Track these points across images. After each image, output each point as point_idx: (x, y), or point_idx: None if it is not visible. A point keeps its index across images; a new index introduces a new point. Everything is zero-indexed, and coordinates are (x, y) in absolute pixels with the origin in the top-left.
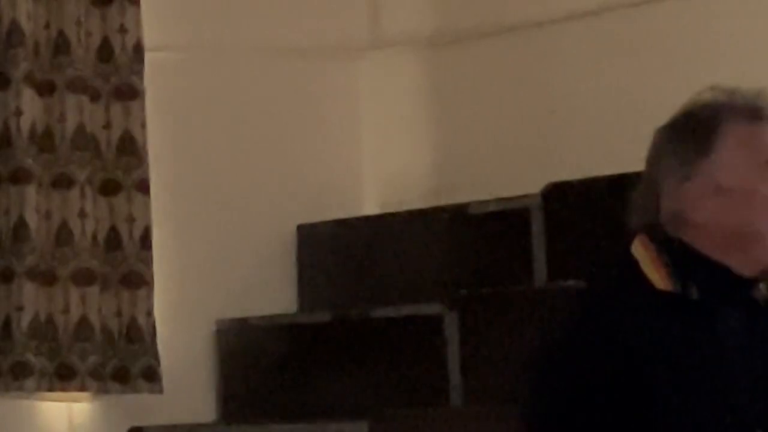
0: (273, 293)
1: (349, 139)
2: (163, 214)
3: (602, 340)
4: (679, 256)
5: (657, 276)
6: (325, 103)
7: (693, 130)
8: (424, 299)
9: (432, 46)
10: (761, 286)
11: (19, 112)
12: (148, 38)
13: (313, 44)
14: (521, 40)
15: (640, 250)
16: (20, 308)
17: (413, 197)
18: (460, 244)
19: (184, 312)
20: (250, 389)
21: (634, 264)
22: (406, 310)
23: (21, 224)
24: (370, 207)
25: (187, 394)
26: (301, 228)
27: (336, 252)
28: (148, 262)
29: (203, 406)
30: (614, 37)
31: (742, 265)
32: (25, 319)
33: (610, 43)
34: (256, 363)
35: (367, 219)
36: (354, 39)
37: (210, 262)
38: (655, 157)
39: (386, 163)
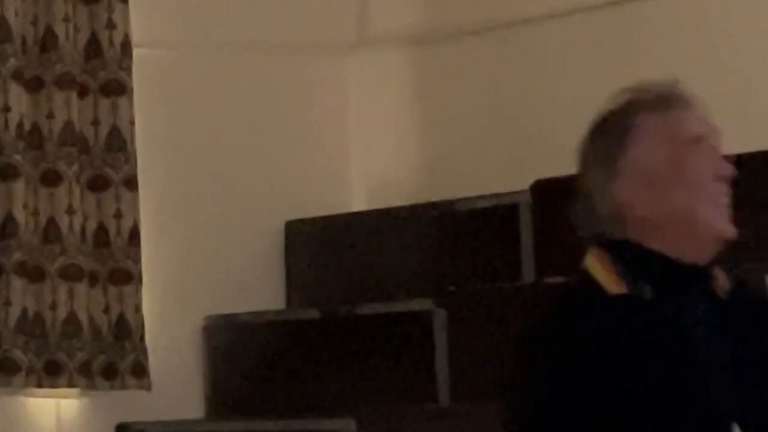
0: (261, 290)
1: (337, 136)
2: (152, 211)
3: (567, 352)
4: (630, 257)
5: (609, 281)
6: (312, 100)
7: (611, 130)
8: (412, 296)
9: (419, 43)
10: (714, 272)
11: (6, 109)
12: (136, 34)
13: (301, 41)
14: (509, 38)
15: (591, 259)
16: (8, 304)
17: (401, 194)
18: (448, 241)
19: (172, 308)
20: (238, 386)
21: (586, 274)
22: (394, 306)
23: (9, 220)
24: (358, 204)
25: (175, 391)
26: (289, 224)
27: (324, 248)
28: (137, 258)
29: (191, 402)
30: (601, 34)
31: (692, 252)
32: (13, 315)
33: (598, 41)
34: (244, 359)
35: (355, 216)
36: (342, 36)
37: (198, 259)
38: (582, 167)
39: (374, 159)
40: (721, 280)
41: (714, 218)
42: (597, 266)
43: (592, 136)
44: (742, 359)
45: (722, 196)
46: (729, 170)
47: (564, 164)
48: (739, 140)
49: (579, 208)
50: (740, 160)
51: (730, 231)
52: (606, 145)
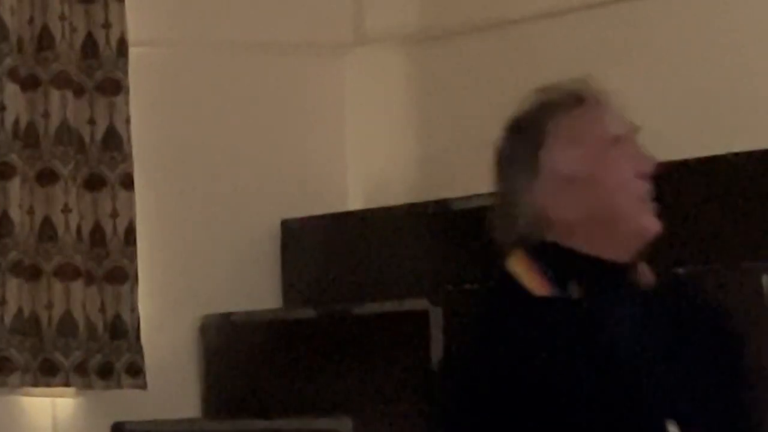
0: (257, 289)
1: (334, 135)
2: (148, 210)
3: (496, 357)
4: (554, 259)
5: (534, 283)
6: (309, 99)
7: (525, 134)
8: (408, 295)
9: (416, 42)
10: (639, 268)
11: (2, 107)
12: (133, 33)
13: (298, 40)
14: (505, 37)
15: (515, 262)
16: (3, 303)
17: (397, 193)
18: (445, 240)
19: (168, 307)
20: (234, 385)
21: (510, 278)
22: (391, 305)
23: (4, 219)
24: (355, 202)
25: (171, 390)
26: (285, 223)
27: (320, 247)
28: (133, 257)
29: (187, 401)
30: (599, 34)
31: (616, 251)
32: (9, 315)
33: (596, 40)
34: (241, 359)
35: (352, 215)
36: (338, 35)
37: (194, 258)
38: (498, 172)
39: (371, 158)
40: (646, 275)
41: (638, 216)
42: (520, 269)
43: (507, 138)
44: (671, 353)
45: (645, 193)
46: (650, 166)
47: None
48: (736, 139)
49: (497, 212)
50: (737, 159)
51: (654, 227)
52: (523, 149)
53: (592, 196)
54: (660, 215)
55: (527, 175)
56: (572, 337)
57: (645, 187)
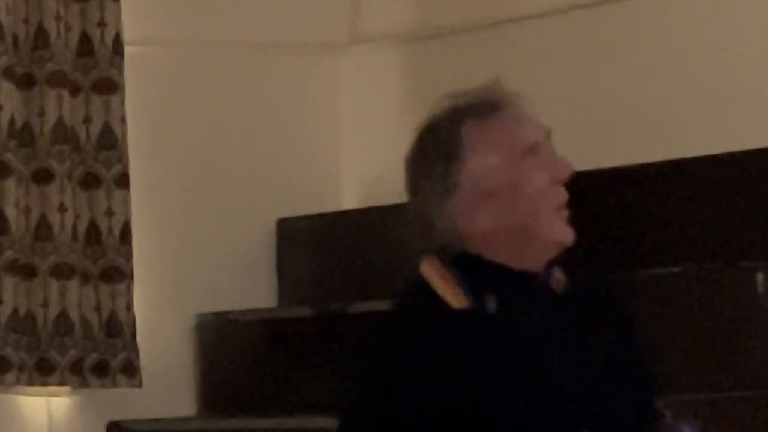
0: (253, 288)
1: (330, 134)
2: (143, 209)
3: (413, 371)
4: (470, 269)
5: (451, 296)
6: (305, 98)
7: (438, 144)
8: None
9: (412, 41)
10: (553, 272)
11: None
12: (128, 32)
13: (294, 40)
14: (500, 36)
15: (431, 272)
16: None
17: (393, 192)
18: None
19: (163, 306)
20: (230, 384)
21: (426, 287)
22: (386, 304)
23: (0, 218)
24: (350, 201)
25: (167, 389)
26: (281, 222)
27: (316, 246)
28: (128, 256)
29: (182, 400)
30: (594, 33)
31: (531, 261)
32: (5, 314)
33: (590, 40)
34: (236, 358)
35: (347, 214)
36: (334, 34)
37: (189, 257)
38: (413, 182)
39: (366, 157)
40: (559, 280)
41: (554, 226)
42: (436, 279)
43: (419, 148)
44: (584, 358)
45: (560, 201)
46: (566, 172)
47: None
48: (729, 138)
49: (412, 222)
50: (732, 159)
51: (569, 236)
52: (436, 160)
53: (508, 208)
54: (573, 222)
55: (442, 189)
56: (490, 352)
57: (561, 195)
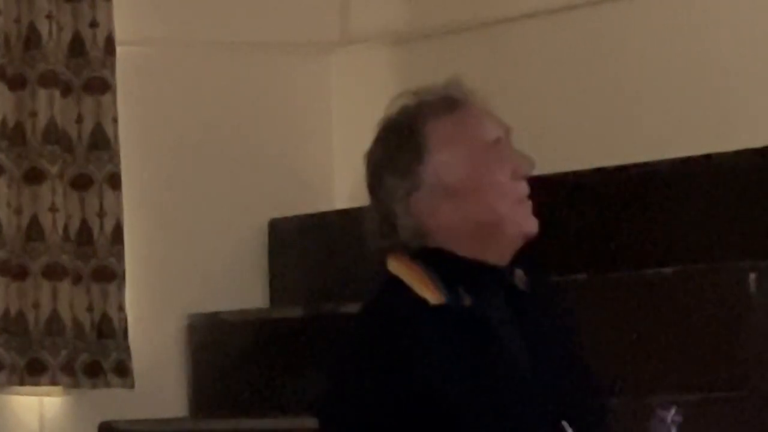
0: (245, 288)
1: (321, 134)
2: (135, 209)
3: (390, 366)
4: (440, 265)
5: (428, 292)
6: (296, 98)
7: (400, 141)
8: None
9: (403, 41)
10: (517, 272)
11: None
12: (120, 32)
13: (285, 39)
14: (491, 37)
15: (402, 269)
16: None
17: None
18: None
19: (155, 306)
20: (222, 384)
21: (399, 284)
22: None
23: None
24: (342, 202)
25: (159, 389)
26: (272, 223)
27: (308, 247)
28: (120, 256)
29: (174, 400)
30: (585, 33)
31: (496, 255)
32: None
33: (581, 40)
34: (228, 358)
35: (339, 214)
36: (325, 34)
37: (181, 257)
38: (375, 179)
39: (358, 157)
40: (521, 278)
41: (519, 219)
42: (408, 276)
43: (382, 144)
44: (550, 352)
45: (523, 194)
46: (527, 167)
47: (546, 162)
48: (719, 139)
49: (372, 221)
50: (723, 159)
51: (533, 228)
52: (400, 157)
53: (472, 203)
54: (537, 215)
55: (406, 186)
56: (472, 347)
57: (523, 189)
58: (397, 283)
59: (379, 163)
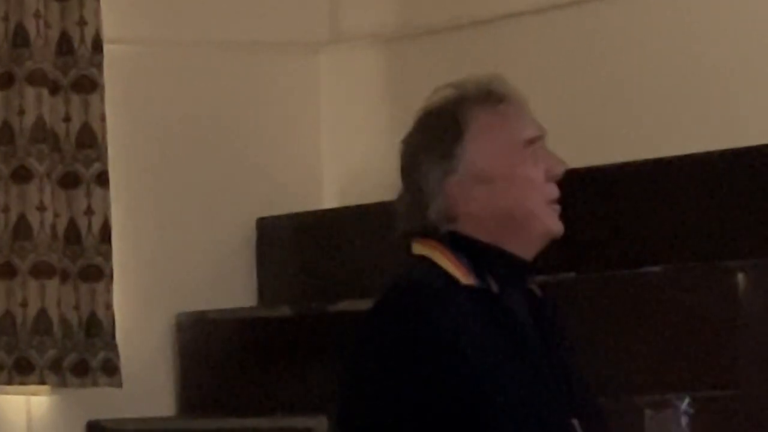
0: (233, 287)
1: (309, 133)
2: (123, 208)
3: (429, 340)
4: (469, 250)
5: (459, 273)
6: (285, 97)
7: (443, 125)
8: None
9: (392, 40)
10: (532, 283)
11: None
12: (108, 31)
13: (274, 38)
14: (481, 35)
15: (429, 250)
16: None
17: (373, 191)
18: None
19: (143, 305)
20: (210, 383)
21: (429, 262)
22: (366, 304)
23: None
24: (330, 200)
25: (146, 388)
26: (261, 221)
27: (296, 246)
28: (108, 255)
29: (162, 399)
30: (573, 32)
31: (521, 247)
32: None
33: (570, 38)
34: (216, 357)
35: (327, 212)
36: (314, 33)
37: (169, 256)
38: (411, 161)
39: (346, 156)
40: (534, 283)
41: (546, 217)
42: (439, 256)
43: (423, 129)
44: (562, 353)
45: (553, 196)
46: (560, 170)
47: None
48: (709, 137)
49: (405, 200)
50: (713, 158)
51: (558, 229)
52: (439, 140)
53: (504, 193)
54: (562, 217)
55: (443, 167)
56: (500, 331)
57: (554, 191)
58: (427, 260)
59: (418, 145)
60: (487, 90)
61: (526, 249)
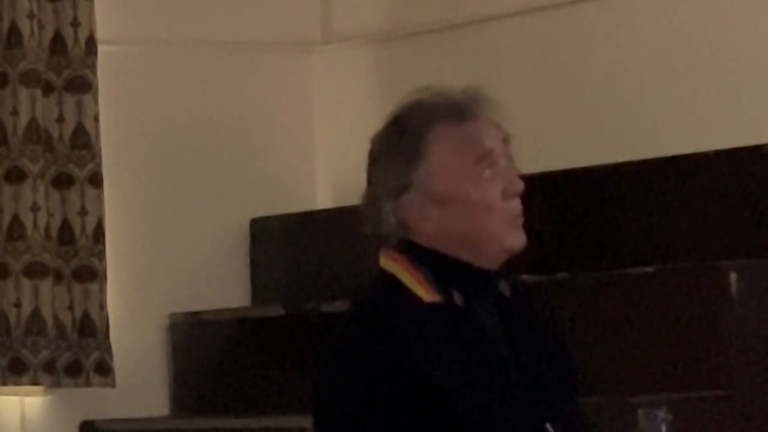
0: (226, 287)
1: (303, 133)
2: (116, 208)
3: (389, 362)
4: (433, 265)
5: (421, 290)
6: (278, 97)
7: (402, 139)
8: None
9: (384, 40)
10: (501, 285)
11: None
12: (101, 32)
13: (267, 39)
14: (472, 36)
15: (396, 266)
16: None
17: None
18: None
19: (136, 306)
20: (203, 383)
21: (392, 281)
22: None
23: None
24: (323, 201)
25: (140, 388)
26: (254, 222)
27: (289, 246)
28: (101, 255)
29: (156, 399)
30: (568, 32)
31: (482, 261)
32: None
33: (564, 39)
34: (209, 357)
35: (321, 213)
36: (307, 33)
37: (163, 256)
38: (371, 167)
39: (339, 156)
40: (503, 283)
41: (505, 237)
42: (403, 274)
43: (384, 139)
44: (532, 356)
45: (513, 212)
46: (519, 187)
47: (529, 162)
48: (701, 138)
49: (365, 206)
50: (705, 158)
51: (520, 243)
52: (397, 154)
53: (459, 218)
54: (526, 228)
55: (400, 185)
56: (465, 345)
57: (514, 207)
58: (390, 280)
59: (379, 152)
60: (456, 107)
61: (486, 263)
